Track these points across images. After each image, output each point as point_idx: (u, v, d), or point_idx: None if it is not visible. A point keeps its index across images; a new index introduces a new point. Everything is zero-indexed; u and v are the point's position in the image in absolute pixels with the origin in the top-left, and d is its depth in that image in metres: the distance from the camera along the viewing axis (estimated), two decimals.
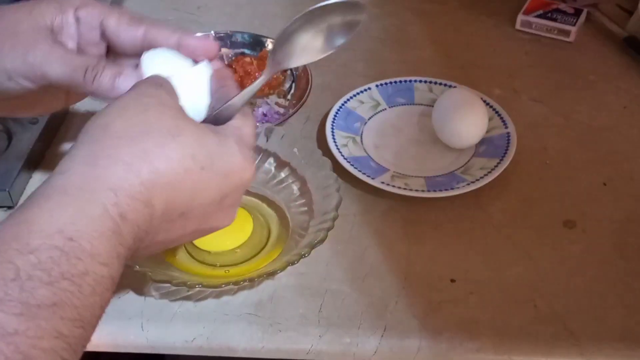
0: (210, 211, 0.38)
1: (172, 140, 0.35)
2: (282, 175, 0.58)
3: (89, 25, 0.44)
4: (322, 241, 0.49)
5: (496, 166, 0.58)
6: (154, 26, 0.43)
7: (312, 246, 0.48)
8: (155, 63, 0.41)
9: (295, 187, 0.57)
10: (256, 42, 0.71)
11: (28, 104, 0.46)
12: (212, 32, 0.72)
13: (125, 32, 0.43)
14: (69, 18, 0.44)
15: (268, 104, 0.67)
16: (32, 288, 0.28)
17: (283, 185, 0.58)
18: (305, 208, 0.55)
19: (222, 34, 0.72)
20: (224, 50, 0.72)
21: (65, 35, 0.43)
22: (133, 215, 0.33)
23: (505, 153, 0.59)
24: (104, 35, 0.44)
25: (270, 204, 0.57)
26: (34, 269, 0.29)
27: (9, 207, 0.57)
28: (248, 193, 0.58)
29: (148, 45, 0.43)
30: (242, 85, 0.69)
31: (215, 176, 0.37)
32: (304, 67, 0.68)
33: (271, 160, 0.59)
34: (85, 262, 0.30)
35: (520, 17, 0.77)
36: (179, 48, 0.43)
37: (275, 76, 0.69)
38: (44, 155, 0.62)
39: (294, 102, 0.67)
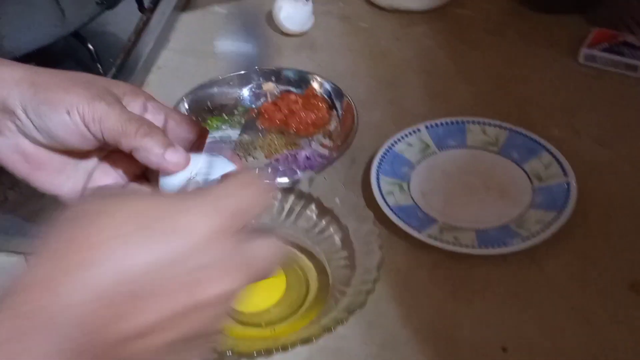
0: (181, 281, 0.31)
1: None
2: (324, 223, 0.55)
3: (153, 112, 0.43)
4: (362, 305, 0.46)
5: (554, 220, 0.53)
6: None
7: (351, 311, 0.45)
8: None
9: (337, 238, 0.54)
10: (302, 80, 0.69)
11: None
12: (256, 67, 0.71)
13: (175, 131, 0.43)
14: (139, 101, 0.43)
15: (312, 146, 0.64)
16: None
17: (324, 235, 0.55)
18: (347, 262, 0.52)
19: (267, 70, 0.70)
20: (269, 85, 0.70)
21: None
22: (64, 312, 0.29)
23: (565, 205, 0.54)
24: None
25: (310, 255, 0.54)
26: None
27: None
28: (287, 242, 0.55)
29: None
30: (286, 124, 0.66)
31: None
32: (350, 104, 0.66)
33: (313, 207, 0.56)
34: None
35: (584, 51, 0.72)
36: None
37: (320, 115, 0.67)
38: None
39: (338, 143, 0.64)
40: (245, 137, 0.66)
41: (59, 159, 0.44)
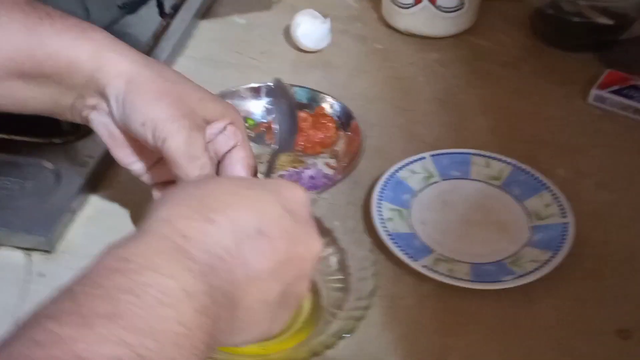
0: (290, 230, 0.37)
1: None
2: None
3: (226, 137, 0.52)
4: (351, 332, 0.46)
5: (549, 260, 0.54)
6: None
7: (340, 337, 0.46)
8: None
9: (333, 260, 0.55)
10: (313, 98, 0.70)
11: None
12: (271, 83, 0.71)
13: (231, 166, 0.52)
14: (219, 125, 0.51)
15: (317, 166, 0.65)
16: (87, 302, 0.29)
17: (322, 255, 0.55)
18: (341, 285, 0.53)
19: (277, 80, 0.71)
20: None
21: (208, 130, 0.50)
22: (195, 233, 0.33)
23: (561, 246, 0.55)
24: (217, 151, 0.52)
25: None
26: (89, 287, 0.29)
27: (46, 251, 0.57)
28: None
29: None
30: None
31: (269, 193, 0.38)
32: (358, 126, 0.66)
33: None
34: (144, 275, 0.30)
35: (594, 92, 0.72)
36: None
37: (328, 134, 0.68)
38: (88, 198, 0.62)
39: (344, 164, 0.65)
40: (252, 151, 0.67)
41: (135, 144, 0.51)
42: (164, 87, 0.49)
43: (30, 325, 0.28)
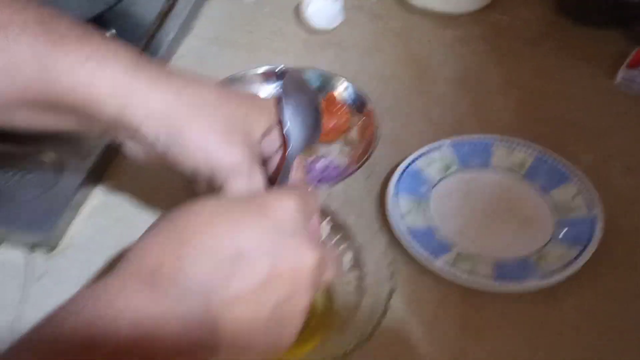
0: (274, 248, 0.35)
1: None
2: (335, 239, 0.53)
3: (271, 140, 0.47)
4: (366, 340, 0.44)
5: (577, 257, 0.51)
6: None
7: (355, 347, 0.43)
8: None
9: (348, 257, 0.52)
10: (326, 82, 0.67)
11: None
12: (282, 65, 0.68)
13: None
14: (266, 131, 0.47)
15: (329, 155, 0.62)
16: (64, 330, 0.29)
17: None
18: (357, 283, 0.50)
19: (290, 69, 0.68)
20: None
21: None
22: (163, 269, 0.33)
23: (589, 242, 0.52)
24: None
25: None
26: (67, 316, 0.30)
27: (49, 247, 0.55)
28: None
29: None
30: None
31: (239, 203, 0.37)
32: (373, 113, 0.63)
33: (327, 221, 0.54)
34: (118, 303, 0.31)
35: (623, 71, 0.68)
36: None
37: (343, 120, 0.64)
38: (92, 190, 0.59)
39: (358, 152, 0.61)
40: None
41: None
42: (208, 120, 0.44)
43: (8, 357, 0.28)
